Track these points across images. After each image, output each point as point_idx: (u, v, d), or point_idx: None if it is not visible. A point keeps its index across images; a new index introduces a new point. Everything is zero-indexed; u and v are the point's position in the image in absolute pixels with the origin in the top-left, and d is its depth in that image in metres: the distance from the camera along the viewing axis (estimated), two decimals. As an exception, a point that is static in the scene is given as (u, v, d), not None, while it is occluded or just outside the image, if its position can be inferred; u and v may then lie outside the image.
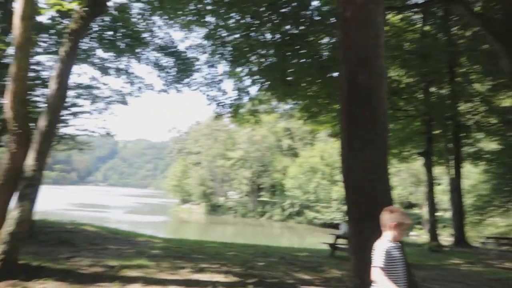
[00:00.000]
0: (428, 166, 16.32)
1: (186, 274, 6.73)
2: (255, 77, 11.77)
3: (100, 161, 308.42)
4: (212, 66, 11.89)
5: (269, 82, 11.21)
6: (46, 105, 6.05)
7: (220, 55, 11.16)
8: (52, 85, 5.97)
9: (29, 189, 5.67)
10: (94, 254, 8.02)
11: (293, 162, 58.76)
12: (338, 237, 11.44)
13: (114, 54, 13.60)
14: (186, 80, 12.78)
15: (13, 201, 5.76)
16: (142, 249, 9.39)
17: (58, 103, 6.01)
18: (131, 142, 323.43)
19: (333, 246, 11.44)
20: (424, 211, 47.67)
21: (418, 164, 38.18)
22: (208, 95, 12.47)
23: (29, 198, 5.65)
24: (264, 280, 6.74)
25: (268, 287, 6.25)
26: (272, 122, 62.27)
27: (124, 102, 14.90)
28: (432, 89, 14.29)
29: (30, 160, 5.74)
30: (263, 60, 10.24)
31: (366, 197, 4.37)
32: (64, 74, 6.02)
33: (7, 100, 6.00)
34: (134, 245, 10.07)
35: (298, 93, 12.41)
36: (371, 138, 4.15)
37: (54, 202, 49.38)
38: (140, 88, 15.01)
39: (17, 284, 5.17)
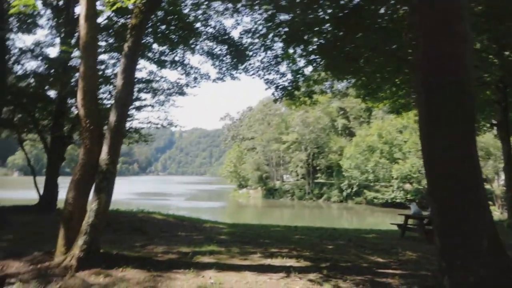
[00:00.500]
0: (504, 137, 15.06)
1: (257, 259, 6.74)
2: (311, 57, 11.41)
3: (158, 152, 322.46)
4: (268, 49, 11.65)
5: (326, 61, 10.81)
6: (114, 100, 6.23)
7: (275, 37, 10.89)
8: (119, 81, 6.13)
9: (104, 182, 5.91)
10: (166, 242, 8.30)
11: (349, 142, 57.44)
12: (408, 217, 10.94)
13: (169, 47, 13.85)
14: (242, 66, 12.69)
15: (91, 194, 6.04)
16: (210, 235, 9.60)
17: (125, 97, 6.17)
18: (187, 132, 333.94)
19: (403, 227, 10.98)
20: (495, 186, 44.73)
21: (487, 136, 35.64)
22: (266, 79, 12.32)
23: (105, 190, 5.90)
24: (338, 264, 6.58)
25: (343, 271, 6.08)
26: (326, 102, 60.97)
27: (182, 93, 15.22)
28: (507, 53, 13.01)
29: (103, 155, 5.97)
30: (321, 37, 9.85)
31: (451, 176, 4.01)
32: (129, 69, 6.16)
33: (78, 99, 6.26)
34: (201, 231, 10.33)
35: (357, 70, 11.88)
36: (455, 111, 3.77)
37: (120, 192, 52.50)
38: (196, 78, 15.23)
39: (100, 272, 5.43)
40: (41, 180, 12.98)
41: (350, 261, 6.94)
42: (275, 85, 12.50)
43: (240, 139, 77.93)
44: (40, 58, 13.33)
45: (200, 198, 60.18)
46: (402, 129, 51.49)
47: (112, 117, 6.08)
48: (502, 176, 46.24)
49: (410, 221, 11.15)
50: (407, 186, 48.05)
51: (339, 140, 59.60)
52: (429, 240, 10.19)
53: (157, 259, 6.46)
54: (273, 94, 13.00)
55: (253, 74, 12.52)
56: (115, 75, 13.20)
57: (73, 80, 12.45)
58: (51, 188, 12.51)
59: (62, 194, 13.44)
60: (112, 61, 13.72)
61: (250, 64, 12.44)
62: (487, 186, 45.43)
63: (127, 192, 56.82)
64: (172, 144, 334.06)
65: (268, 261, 6.60)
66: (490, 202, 42.88)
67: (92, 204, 5.82)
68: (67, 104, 13.32)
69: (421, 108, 4.08)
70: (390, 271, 6.27)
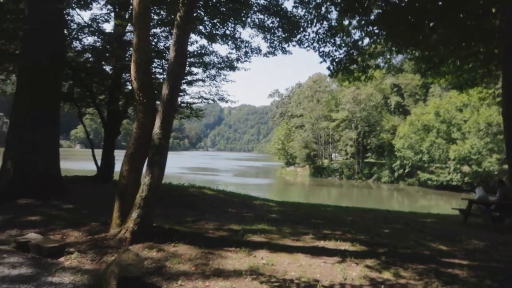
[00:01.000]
0: None
1: (310, 240, 6.48)
2: (369, 28, 10.63)
3: (208, 128, 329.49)
4: (324, 19, 11.01)
5: (388, 31, 9.99)
6: (167, 73, 6.08)
7: (331, 5, 10.24)
8: (172, 53, 5.96)
9: (157, 156, 5.84)
10: (217, 217, 8.27)
11: (403, 121, 54.94)
12: (472, 202, 10.14)
13: (220, 20, 13.58)
14: (296, 38, 12.14)
15: (144, 168, 6.02)
16: (260, 212, 9.47)
17: (178, 70, 6.00)
18: (235, 109, 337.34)
19: (466, 212, 10.20)
20: None
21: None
22: (321, 52, 11.70)
23: (158, 164, 5.84)
24: (397, 250, 6.17)
25: (403, 258, 5.67)
26: (379, 79, 58.37)
27: (232, 68, 15.00)
28: None
29: (156, 129, 5.89)
30: (383, 4, 9.08)
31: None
32: (181, 40, 5.96)
33: (131, 72, 6.19)
34: (251, 208, 10.22)
35: (420, 41, 10.93)
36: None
37: (172, 166, 54.28)
38: (246, 52, 14.92)
39: (153, 246, 5.44)
40: (100, 153, 13.50)
41: (410, 248, 6.48)
42: (330, 58, 11.84)
43: (288, 116, 77.17)
44: (97, 33, 13.60)
45: (248, 175, 60.87)
46: (462, 107, 48.27)
47: (165, 90, 5.95)
48: None
49: (473, 207, 10.34)
50: (465, 168, 45.38)
51: (392, 119, 57.18)
52: (497, 227, 9.41)
53: (208, 235, 6.40)
54: (328, 68, 12.36)
55: (307, 46, 11.94)
56: (168, 48, 13.20)
57: (128, 54, 12.61)
58: (108, 161, 12.97)
59: (118, 166, 13.98)
60: (165, 35, 13.68)
61: (304, 36, 11.84)
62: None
63: (178, 166, 58.70)
64: (221, 120, 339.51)
65: (321, 243, 6.32)
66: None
67: (145, 178, 5.79)
68: (122, 79, 13.60)
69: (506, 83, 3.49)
70: (456, 261, 5.77)
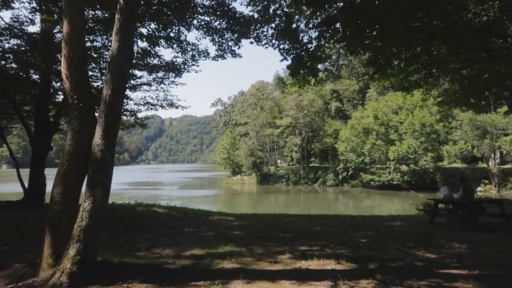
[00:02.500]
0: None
1: (289, 261, 5.57)
2: (324, 28, 10.08)
3: (149, 141, 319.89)
4: (278, 16, 10.27)
5: (347, 29, 9.49)
6: (108, 70, 4.88)
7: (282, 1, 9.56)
8: (114, 44, 4.79)
9: (99, 173, 4.63)
10: (174, 241, 7.09)
11: (345, 125, 56.46)
12: (438, 202, 9.87)
13: (162, 22, 12.41)
14: (253, 35, 11.26)
15: (83, 190, 4.78)
16: (221, 230, 8.40)
17: (123, 64, 4.84)
18: (177, 120, 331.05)
19: (432, 213, 9.90)
20: (491, 165, 44.31)
21: (485, 115, 34.91)
22: (281, 49, 10.94)
23: (100, 184, 4.63)
24: (387, 264, 5.45)
25: (399, 274, 4.95)
26: (319, 85, 59.61)
27: (179, 73, 13.82)
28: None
29: (97, 139, 4.68)
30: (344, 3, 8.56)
31: None
32: (126, 28, 4.81)
33: (62, 69, 4.93)
34: (209, 225, 9.12)
35: (374, 40, 10.65)
36: None
37: (112, 183, 50.88)
38: (193, 56, 13.86)
39: (101, 290, 4.22)
40: (27, 173, 11.62)
41: (398, 259, 5.81)
42: (291, 56, 11.12)
43: (232, 124, 76.42)
44: (20, 35, 11.82)
45: (194, 186, 58.97)
46: (398, 110, 50.73)
47: (106, 91, 4.77)
48: (498, 154, 46.04)
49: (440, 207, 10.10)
50: (404, 168, 47.50)
51: (334, 123, 58.61)
52: (465, 226, 9.17)
53: (168, 266, 5.25)
54: (289, 66, 11.65)
55: (266, 43, 11.10)
56: (106, 47, 11.70)
57: (57, 56, 10.98)
58: (37, 181, 11.15)
59: (50, 187, 12.14)
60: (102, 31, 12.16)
61: (262, 32, 11.03)
62: (483, 165, 45.12)
63: (119, 182, 55.40)
64: (162, 132, 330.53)
65: (303, 264, 5.43)
66: (486, 181, 42.63)
67: (85, 202, 4.55)
68: (52, 86, 11.86)
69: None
70: (454, 271, 5.16)
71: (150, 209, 10.60)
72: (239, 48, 13.39)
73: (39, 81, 11.74)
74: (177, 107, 14.19)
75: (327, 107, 64.35)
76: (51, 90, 11.91)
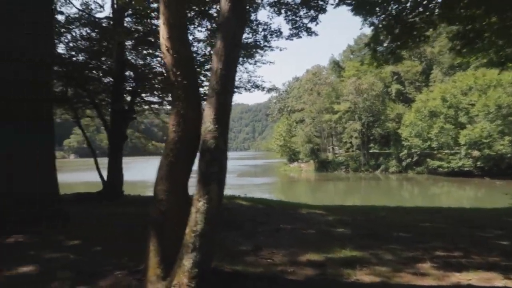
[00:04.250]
0: None
1: (438, 274, 4.40)
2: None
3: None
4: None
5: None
6: (218, 35, 3.92)
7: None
8: (224, 2, 3.82)
9: (214, 165, 3.72)
10: (274, 240, 6.16)
11: (408, 109, 53.11)
12: None
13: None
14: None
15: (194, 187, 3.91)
16: (320, 226, 7.36)
17: (235, 27, 3.86)
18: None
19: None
20: None
21: None
22: (368, 21, 9.66)
23: (216, 179, 3.72)
24: None
25: None
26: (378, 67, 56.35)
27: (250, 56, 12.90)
28: None
29: (208, 123, 3.76)
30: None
31: None
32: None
33: (162, 39, 4.05)
34: (303, 220, 8.11)
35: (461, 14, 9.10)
36: None
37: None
38: (265, 36, 12.89)
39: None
40: (100, 161, 11.30)
41: None
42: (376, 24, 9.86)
43: (288, 111, 74.86)
44: (92, 20, 11.48)
45: (251, 174, 58.57)
46: (467, 91, 46.63)
47: (217, 63, 3.81)
48: None
49: None
50: (475, 153, 43.83)
51: (396, 107, 55.30)
52: None
53: (291, 277, 4.30)
54: (372, 38, 10.36)
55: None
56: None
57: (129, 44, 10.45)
58: (115, 173, 10.77)
59: (126, 177, 11.74)
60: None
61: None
62: None
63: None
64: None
65: (457, 277, 4.26)
66: None
67: (198, 201, 3.67)
68: (125, 73, 11.38)
69: None
70: None
71: (234, 201, 9.78)
72: (317, 24, 12.22)
73: (108, 69, 11.29)
74: (263, 89, 13.24)
75: (387, 90, 60.94)
76: (125, 77, 11.44)
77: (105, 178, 10.82)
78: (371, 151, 57.28)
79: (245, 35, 13.15)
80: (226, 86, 3.85)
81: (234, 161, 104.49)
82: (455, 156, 45.88)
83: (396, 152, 52.93)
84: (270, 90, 16.00)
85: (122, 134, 11.02)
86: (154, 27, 10.93)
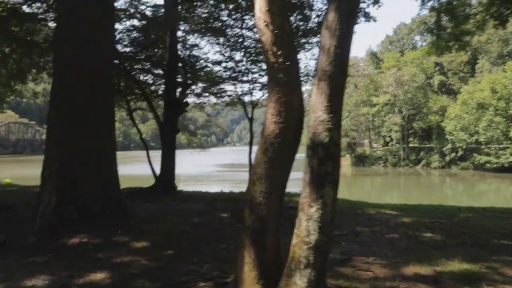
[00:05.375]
0: None
1: None
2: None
3: (233, 123, 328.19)
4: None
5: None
6: (331, 5, 3.22)
7: None
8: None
9: (328, 164, 3.06)
10: (360, 246, 5.47)
11: (453, 101, 50.52)
12: None
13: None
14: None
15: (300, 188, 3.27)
16: (402, 230, 6.57)
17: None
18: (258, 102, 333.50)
19: None
20: None
21: None
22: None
23: (330, 180, 3.06)
24: None
25: None
26: (420, 57, 53.95)
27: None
28: None
29: (319, 112, 3.09)
30: None
31: None
32: None
33: (257, 12, 3.41)
34: (382, 223, 7.25)
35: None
36: None
37: (209, 164, 51.70)
38: (319, 23, 12.10)
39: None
40: (136, 154, 10.93)
41: None
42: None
43: (323, 104, 73.14)
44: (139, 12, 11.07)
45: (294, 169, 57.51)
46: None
47: (330, 40, 3.13)
48: None
49: None
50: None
51: (440, 99, 52.73)
52: None
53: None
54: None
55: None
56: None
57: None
58: (168, 166, 10.35)
59: (178, 171, 11.28)
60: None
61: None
62: None
63: (214, 164, 56.06)
64: (245, 115, 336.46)
65: None
66: None
67: (311, 206, 3.02)
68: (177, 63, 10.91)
69: None
70: None
71: (292, 199, 9.11)
72: (379, 7, 11.32)
73: (164, 56, 10.85)
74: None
75: (429, 81, 58.29)
76: (177, 66, 10.97)
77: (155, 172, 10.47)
78: (410, 145, 55.08)
79: (297, 22, 12.41)
80: (341, 68, 3.16)
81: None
82: (505, 151, 43.27)
83: (439, 146, 50.58)
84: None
85: (175, 126, 10.59)
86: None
